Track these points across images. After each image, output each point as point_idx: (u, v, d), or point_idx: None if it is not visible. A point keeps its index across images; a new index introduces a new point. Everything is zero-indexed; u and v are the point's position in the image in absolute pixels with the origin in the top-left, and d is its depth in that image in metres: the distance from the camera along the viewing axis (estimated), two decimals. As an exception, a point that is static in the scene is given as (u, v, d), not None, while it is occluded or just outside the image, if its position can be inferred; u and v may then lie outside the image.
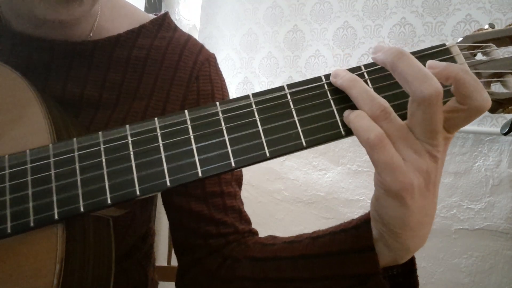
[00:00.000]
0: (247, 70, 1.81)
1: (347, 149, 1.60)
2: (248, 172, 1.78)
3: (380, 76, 0.40)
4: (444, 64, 0.35)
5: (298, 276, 0.46)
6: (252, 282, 0.51)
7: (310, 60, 1.64)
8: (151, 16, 0.66)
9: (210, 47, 1.87)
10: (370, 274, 0.40)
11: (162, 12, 0.67)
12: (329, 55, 1.59)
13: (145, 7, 1.86)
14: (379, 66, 0.40)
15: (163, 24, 0.64)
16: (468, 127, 1.33)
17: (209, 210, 0.60)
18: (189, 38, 0.65)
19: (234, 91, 1.80)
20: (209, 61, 0.64)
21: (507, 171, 1.30)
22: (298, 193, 1.71)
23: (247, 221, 0.64)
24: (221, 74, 0.67)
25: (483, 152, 1.34)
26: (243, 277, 0.53)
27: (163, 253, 1.76)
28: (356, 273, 0.41)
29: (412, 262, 0.44)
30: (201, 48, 0.65)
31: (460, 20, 1.33)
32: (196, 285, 0.60)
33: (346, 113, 0.38)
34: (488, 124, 1.30)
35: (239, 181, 0.66)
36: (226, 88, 0.67)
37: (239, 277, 0.53)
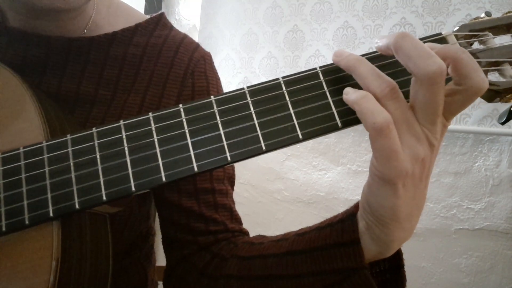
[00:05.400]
0: (247, 70, 1.80)
1: (347, 149, 1.59)
2: (248, 172, 1.77)
3: (376, 66, 0.39)
4: (441, 45, 0.35)
5: (283, 273, 0.45)
6: (238, 280, 0.51)
7: (310, 60, 1.64)
8: (147, 16, 0.66)
9: (210, 47, 1.88)
10: (355, 268, 0.39)
11: (159, 12, 0.67)
12: (329, 55, 1.59)
13: (145, 7, 1.86)
14: (374, 55, 0.39)
15: (159, 23, 0.65)
16: (468, 127, 1.32)
17: (199, 207, 0.60)
18: (185, 36, 0.66)
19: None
20: (205, 58, 0.64)
21: (507, 171, 1.29)
22: (298, 193, 1.70)
23: (238, 220, 0.64)
24: (216, 72, 0.67)
25: (483, 152, 1.34)
26: (229, 275, 0.52)
27: (163, 253, 1.76)
28: (341, 267, 0.40)
29: (399, 257, 0.43)
30: (197, 46, 0.65)
31: (460, 20, 1.33)
32: (183, 281, 0.60)
33: (349, 91, 0.36)
34: (488, 124, 1.29)
35: (231, 180, 0.66)
36: (221, 85, 0.67)
37: (225, 276, 0.53)
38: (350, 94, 0.36)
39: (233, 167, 0.67)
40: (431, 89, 0.33)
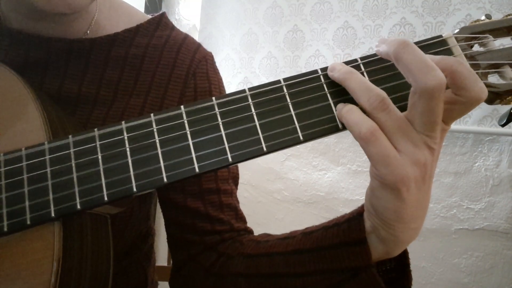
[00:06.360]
0: (247, 70, 1.80)
1: (347, 149, 1.60)
2: (248, 172, 1.78)
3: (376, 69, 0.39)
4: (438, 57, 0.35)
5: (291, 271, 0.46)
6: (245, 278, 0.51)
7: (310, 60, 1.64)
8: (149, 16, 0.66)
9: (210, 47, 1.87)
10: (362, 267, 0.40)
11: (160, 12, 0.67)
12: (329, 55, 1.59)
13: (145, 7, 1.86)
14: (375, 58, 0.40)
15: (160, 24, 0.65)
16: (468, 127, 1.32)
17: (205, 207, 0.60)
18: (186, 36, 0.66)
19: (234, 91, 1.79)
20: (206, 59, 0.64)
21: (507, 171, 1.30)
22: (298, 193, 1.70)
23: (243, 220, 0.64)
24: (218, 73, 0.67)
25: (483, 152, 1.34)
26: (236, 273, 0.53)
27: (163, 253, 1.76)
28: (348, 266, 0.41)
29: (405, 256, 0.44)
30: (198, 46, 0.65)
31: (460, 20, 1.33)
32: (190, 281, 0.60)
33: (339, 106, 0.38)
34: (488, 124, 1.29)
35: (235, 179, 0.66)
36: (223, 86, 0.67)
37: (232, 274, 0.53)
38: (339, 110, 0.38)
39: (237, 167, 0.67)
40: (430, 102, 0.33)
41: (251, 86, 0.40)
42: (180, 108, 0.40)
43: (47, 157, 0.40)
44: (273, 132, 0.38)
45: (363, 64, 0.40)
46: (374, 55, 0.40)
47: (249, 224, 0.65)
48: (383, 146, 0.34)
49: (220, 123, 0.39)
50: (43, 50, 0.56)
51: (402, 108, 0.37)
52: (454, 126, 1.34)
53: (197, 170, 0.38)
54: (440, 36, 0.40)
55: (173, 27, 0.67)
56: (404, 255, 0.44)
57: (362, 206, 0.42)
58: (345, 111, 0.37)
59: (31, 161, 0.40)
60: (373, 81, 0.39)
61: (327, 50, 1.60)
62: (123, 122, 0.40)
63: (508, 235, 1.28)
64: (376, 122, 0.35)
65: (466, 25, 0.41)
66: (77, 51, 0.57)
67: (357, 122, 0.35)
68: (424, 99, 0.33)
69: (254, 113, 0.39)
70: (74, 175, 0.39)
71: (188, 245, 0.61)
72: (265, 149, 0.38)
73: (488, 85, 0.38)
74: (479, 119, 1.30)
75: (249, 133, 0.39)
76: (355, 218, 0.42)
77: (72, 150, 0.40)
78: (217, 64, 0.68)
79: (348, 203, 1.58)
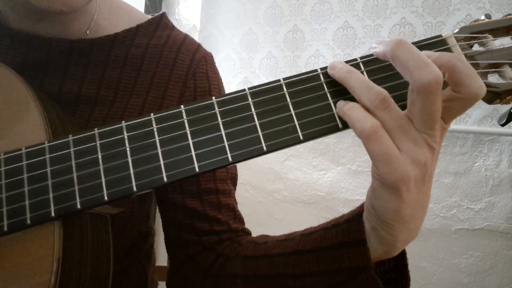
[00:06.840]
0: (247, 70, 1.80)
1: (347, 149, 1.59)
2: (248, 172, 1.77)
3: (376, 68, 0.39)
4: (437, 53, 0.35)
5: (290, 272, 0.46)
6: (243, 279, 0.51)
7: (310, 60, 1.64)
8: (149, 16, 0.66)
9: (210, 47, 1.88)
10: (362, 268, 0.40)
11: (160, 12, 0.67)
12: (329, 55, 1.59)
13: (145, 7, 1.86)
14: (374, 58, 0.40)
15: (160, 24, 0.65)
16: (468, 127, 1.32)
17: (203, 207, 0.60)
18: (186, 37, 0.66)
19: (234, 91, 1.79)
20: (206, 59, 0.64)
21: (507, 171, 1.29)
22: (298, 193, 1.70)
23: (241, 220, 0.64)
24: (218, 73, 0.67)
25: (483, 152, 1.34)
26: (234, 274, 0.53)
27: (163, 253, 1.76)
28: (347, 267, 0.40)
29: (403, 257, 0.44)
30: (198, 46, 0.65)
31: (460, 20, 1.33)
32: (188, 282, 0.60)
33: (340, 104, 0.38)
34: (488, 124, 1.29)
35: (234, 180, 0.66)
36: (223, 86, 0.67)
37: (230, 275, 0.53)
38: (340, 107, 0.38)
39: (235, 167, 0.67)
40: (428, 98, 0.33)
41: (251, 85, 0.40)
42: (180, 108, 0.40)
43: (47, 156, 0.40)
44: (273, 132, 0.38)
45: (363, 63, 0.40)
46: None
47: (249, 224, 0.65)
48: (385, 144, 0.34)
49: (220, 122, 0.39)
50: (43, 50, 0.56)
51: (402, 108, 0.37)
52: (454, 126, 1.34)
53: (197, 169, 0.38)
54: (440, 36, 0.40)
55: (173, 27, 0.67)
56: (403, 255, 0.44)
57: (361, 207, 0.42)
58: (347, 109, 0.37)
59: (31, 161, 0.40)
60: (373, 80, 0.39)
61: (327, 50, 1.60)
62: (123, 121, 0.40)
63: (508, 235, 1.28)
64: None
65: (466, 25, 0.41)
66: (77, 51, 0.57)
67: (359, 119, 0.35)
68: (422, 95, 0.33)
69: (254, 113, 0.39)
70: (74, 174, 0.39)
71: (186, 245, 0.61)
72: (265, 148, 0.38)
73: (487, 85, 0.38)
74: (479, 119, 1.30)
75: (249, 132, 0.39)
76: (355, 219, 0.41)
77: (72, 150, 0.40)
78: (217, 64, 0.68)
79: (348, 203, 1.58)
